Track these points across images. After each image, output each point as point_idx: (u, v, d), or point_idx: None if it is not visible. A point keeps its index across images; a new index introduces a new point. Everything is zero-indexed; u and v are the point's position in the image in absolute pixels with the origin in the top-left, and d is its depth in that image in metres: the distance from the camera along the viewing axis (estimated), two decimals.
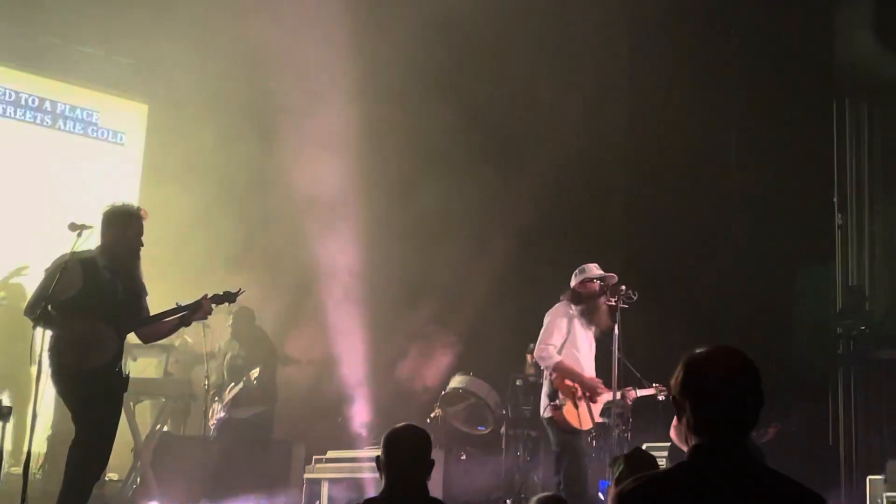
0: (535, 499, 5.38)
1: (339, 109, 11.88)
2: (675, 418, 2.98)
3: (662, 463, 7.20)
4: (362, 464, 9.99)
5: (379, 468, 4.35)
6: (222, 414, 10.57)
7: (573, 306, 8.31)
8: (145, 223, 7.02)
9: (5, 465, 10.39)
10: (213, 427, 10.71)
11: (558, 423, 8.05)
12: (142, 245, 6.98)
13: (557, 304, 8.38)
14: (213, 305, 7.19)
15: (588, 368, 8.31)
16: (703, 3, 11.46)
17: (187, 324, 7.21)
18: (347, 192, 12.11)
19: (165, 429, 10.83)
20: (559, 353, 8.15)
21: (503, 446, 10.32)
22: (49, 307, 6.57)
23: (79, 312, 6.68)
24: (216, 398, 10.70)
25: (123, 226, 6.90)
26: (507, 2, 11.43)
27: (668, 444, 8.96)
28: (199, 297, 7.14)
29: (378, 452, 4.37)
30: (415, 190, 12.16)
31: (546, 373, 8.29)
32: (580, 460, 8.00)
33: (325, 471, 10.51)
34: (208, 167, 12.32)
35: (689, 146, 11.43)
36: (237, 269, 10.89)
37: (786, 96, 11.24)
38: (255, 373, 10.32)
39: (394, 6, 11.44)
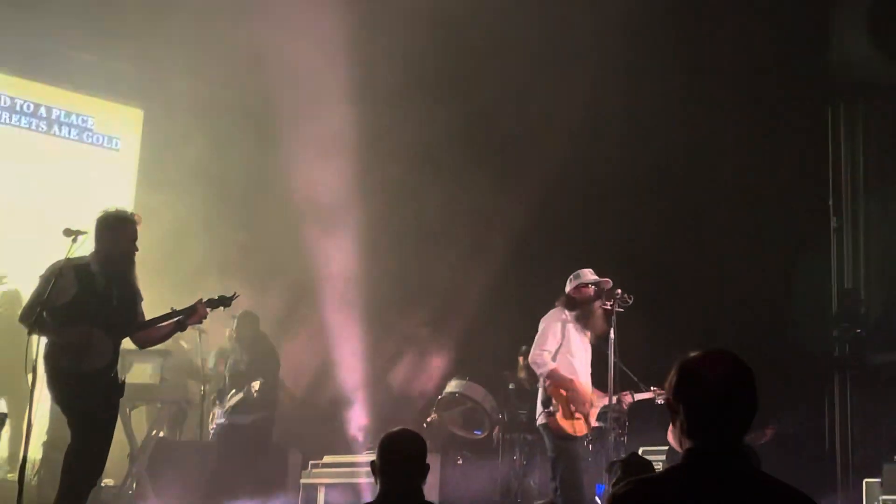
0: None
1: (335, 113, 11.89)
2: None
3: (659, 467, 7.20)
4: (359, 468, 10.00)
5: (374, 473, 4.35)
6: (222, 419, 10.54)
7: (568, 312, 8.30)
8: (140, 228, 7.01)
9: (1, 471, 10.42)
10: (212, 431, 10.69)
11: (553, 429, 8.05)
12: (136, 250, 6.97)
13: (552, 310, 8.37)
14: (209, 310, 7.20)
15: (583, 374, 8.30)
16: (699, 7, 11.47)
17: (182, 328, 7.22)
18: (343, 197, 12.10)
19: (161, 434, 10.81)
20: (554, 358, 8.14)
21: (500, 451, 10.33)
22: (44, 313, 6.56)
23: (74, 318, 6.67)
24: (217, 402, 10.67)
25: (118, 231, 6.89)
26: (504, 6, 11.42)
27: (666, 447, 8.99)
28: (194, 302, 7.15)
29: (374, 457, 4.37)
30: (411, 194, 12.16)
31: (540, 379, 8.28)
32: (576, 466, 7.99)
33: (321, 476, 10.51)
34: (203, 172, 12.32)
35: (684, 151, 11.43)
36: (232, 274, 10.87)
37: (781, 100, 11.24)
38: (256, 385, 10.26)
39: (389, 10, 11.44)
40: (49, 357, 6.59)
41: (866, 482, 8.81)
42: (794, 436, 10.18)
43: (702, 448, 2.83)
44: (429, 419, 10.66)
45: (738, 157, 11.46)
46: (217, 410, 10.65)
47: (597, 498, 8.20)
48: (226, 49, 11.80)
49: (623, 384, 8.49)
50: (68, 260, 6.69)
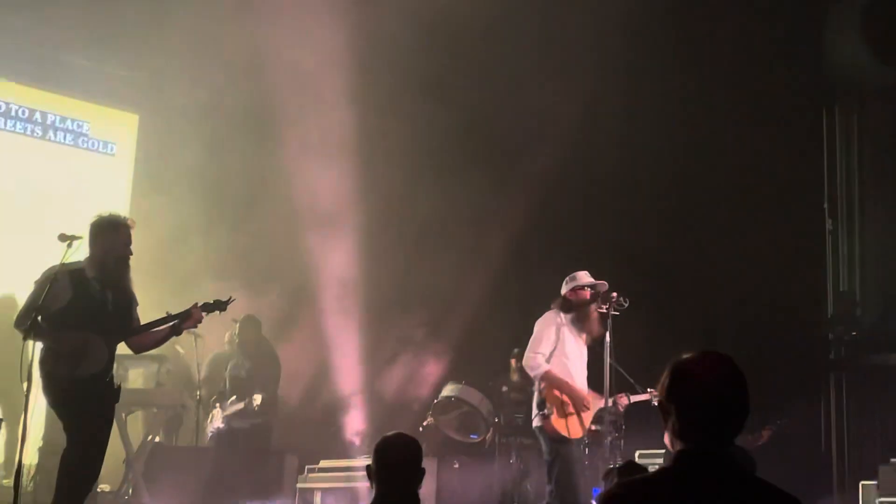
0: None
1: (332, 116, 11.89)
2: None
3: None
4: (355, 473, 9.99)
5: (370, 477, 4.34)
6: (221, 425, 10.49)
7: (563, 314, 8.29)
8: (134, 232, 7.01)
9: None
10: (210, 433, 10.65)
11: (548, 432, 8.04)
12: (131, 254, 6.97)
13: (547, 313, 8.36)
14: (204, 314, 7.19)
15: (578, 376, 8.29)
16: (694, 12, 11.48)
17: (178, 333, 7.20)
18: (340, 200, 12.10)
19: (157, 439, 10.80)
20: (548, 361, 8.13)
21: (496, 454, 10.32)
22: (39, 318, 6.55)
23: (69, 323, 6.66)
24: (216, 404, 10.64)
25: (112, 236, 6.89)
26: (502, 9, 11.43)
27: (663, 450, 8.97)
28: (189, 307, 7.14)
29: (370, 461, 4.37)
30: (409, 196, 12.16)
31: (536, 382, 8.28)
32: (572, 468, 7.98)
33: (317, 480, 10.51)
34: (198, 176, 12.32)
35: (681, 153, 11.44)
36: (228, 278, 10.85)
37: (777, 102, 11.25)
38: (258, 399, 10.24)
39: (386, 13, 11.44)
40: (44, 362, 6.59)
41: (862, 484, 8.82)
42: (791, 438, 10.19)
43: (693, 450, 2.83)
44: (425, 423, 10.65)
45: (734, 159, 11.47)
46: (217, 412, 10.60)
47: (592, 501, 8.19)
48: (221, 54, 11.80)
49: (620, 386, 8.48)
50: (63, 265, 6.68)
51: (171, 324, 7.07)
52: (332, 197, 12.04)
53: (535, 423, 8.18)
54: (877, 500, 8.53)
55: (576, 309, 8.27)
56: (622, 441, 8.89)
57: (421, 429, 10.51)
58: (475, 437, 10.64)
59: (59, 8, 11.53)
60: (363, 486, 9.42)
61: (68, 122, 12.71)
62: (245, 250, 12.17)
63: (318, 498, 10.35)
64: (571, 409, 8.07)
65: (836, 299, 11.26)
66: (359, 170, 12.07)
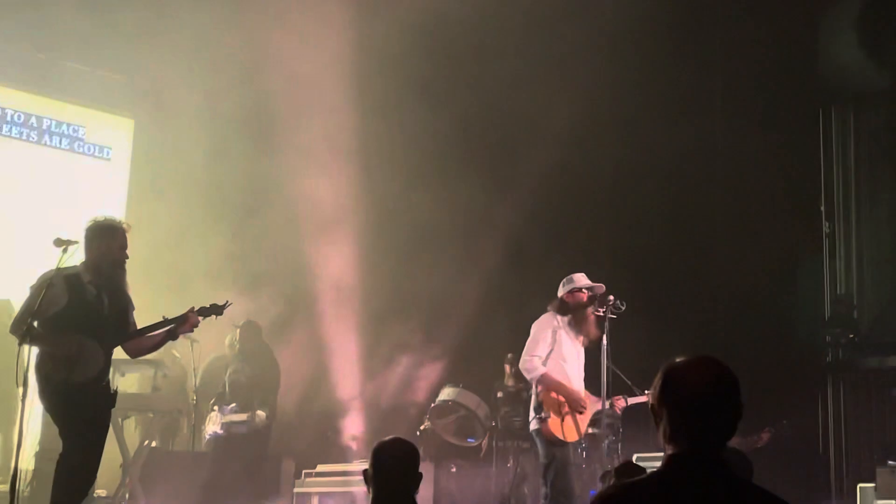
0: None
1: (328, 121, 11.89)
2: None
3: None
4: (352, 477, 9.98)
5: (367, 481, 4.34)
6: (220, 431, 10.45)
7: (560, 317, 8.29)
8: (129, 236, 7.00)
9: None
10: (207, 438, 10.62)
11: (545, 435, 8.03)
12: (126, 258, 6.96)
13: (543, 315, 8.35)
14: (201, 318, 7.18)
15: (575, 379, 8.28)
16: (688, 14, 11.49)
17: (174, 337, 7.19)
18: (337, 204, 12.10)
19: (154, 444, 10.77)
20: (545, 364, 8.12)
21: (493, 458, 10.31)
22: (35, 323, 6.55)
23: (65, 328, 6.65)
24: (214, 407, 10.61)
25: (107, 240, 6.88)
26: (496, 14, 11.44)
27: (660, 453, 8.95)
28: (185, 311, 7.13)
29: (367, 465, 4.36)
30: (404, 201, 12.15)
31: (532, 385, 8.27)
32: (568, 472, 7.97)
33: (314, 485, 10.49)
34: (195, 181, 12.31)
35: (676, 156, 11.44)
36: (225, 283, 10.85)
37: (771, 105, 11.27)
38: (261, 415, 10.25)
39: (382, 18, 11.45)
40: (40, 367, 6.57)
41: (860, 487, 8.81)
42: (789, 440, 10.19)
43: (684, 453, 2.83)
44: (422, 427, 10.64)
45: (731, 162, 11.49)
46: (214, 416, 10.58)
47: None
48: (217, 58, 11.79)
49: (617, 388, 8.47)
50: (59, 270, 6.68)
51: (167, 328, 7.05)
52: (329, 201, 12.04)
53: (532, 426, 8.17)
54: (874, 503, 8.52)
55: (573, 311, 8.26)
56: (619, 444, 8.88)
57: (418, 433, 10.50)
58: (472, 440, 10.63)
59: (54, 13, 11.51)
60: (360, 490, 9.41)
61: (64, 127, 12.69)
62: (242, 254, 12.15)
63: (315, 502, 10.33)
64: (568, 413, 8.06)
65: (833, 302, 11.26)
66: (356, 174, 12.07)
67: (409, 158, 12.06)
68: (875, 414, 10.54)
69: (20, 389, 6.39)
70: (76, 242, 6.77)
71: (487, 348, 11.45)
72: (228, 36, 11.49)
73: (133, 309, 7.05)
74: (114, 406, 6.98)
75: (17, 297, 7.27)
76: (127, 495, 10.17)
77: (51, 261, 6.70)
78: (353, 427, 11.91)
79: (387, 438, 4.43)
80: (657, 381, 2.91)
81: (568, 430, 8.04)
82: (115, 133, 13.20)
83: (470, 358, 11.78)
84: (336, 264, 12.10)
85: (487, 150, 12.61)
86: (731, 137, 11.46)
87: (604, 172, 12.30)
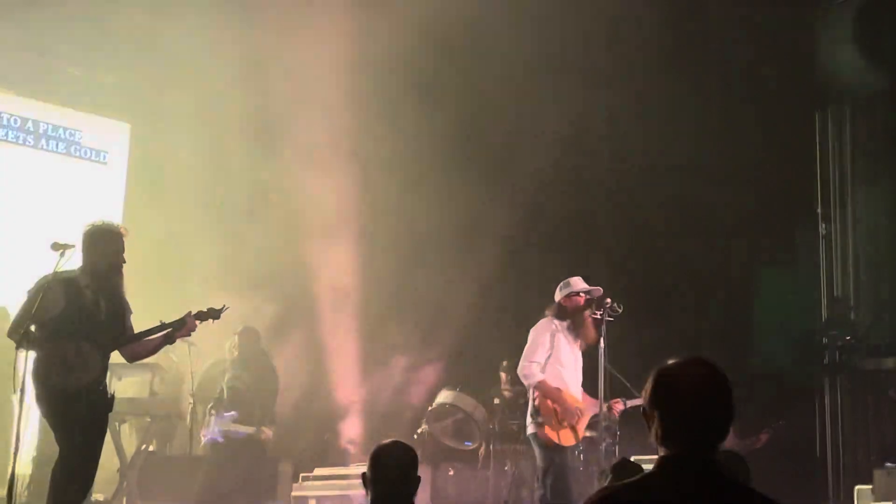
0: None
1: (326, 125, 11.88)
2: None
3: None
4: (350, 480, 9.98)
5: (365, 485, 4.34)
6: (219, 438, 10.43)
7: (557, 321, 8.29)
8: (127, 240, 6.99)
9: None
10: (205, 442, 10.60)
11: (542, 439, 8.04)
12: (124, 263, 6.95)
13: (541, 320, 8.35)
14: (198, 323, 7.17)
15: (573, 383, 8.29)
16: (685, 16, 11.50)
17: (171, 341, 7.18)
18: (334, 207, 12.10)
19: (151, 448, 10.75)
20: (543, 369, 8.12)
21: (491, 462, 10.31)
22: (32, 328, 6.54)
23: (62, 333, 6.64)
24: (212, 412, 10.59)
25: (105, 244, 6.87)
26: (493, 15, 11.44)
27: (658, 455, 8.96)
28: (183, 315, 7.12)
29: (365, 469, 4.36)
30: (401, 205, 12.16)
31: (529, 390, 8.27)
32: (565, 476, 7.97)
33: (312, 488, 10.48)
34: (192, 185, 12.29)
35: (672, 158, 11.46)
36: (222, 286, 10.83)
37: (768, 107, 11.28)
38: (269, 433, 10.27)
39: (380, 19, 11.44)
40: (37, 372, 6.56)
41: (858, 489, 8.82)
42: (786, 442, 10.19)
43: (676, 455, 2.84)
44: (419, 430, 10.63)
45: (726, 164, 11.49)
46: (212, 420, 10.55)
47: None
48: (213, 62, 11.78)
49: (615, 391, 8.47)
50: (56, 274, 6.66)
51: (164, 332, 7.04)
52: (327, 205, 12.05)
53: (529, 430, 8.18)
54: None
55: (570, 315, 8.27)
56: (617, 447, 8.88)
57: (415, 436, 10.49)
58: (470, 444, 10.63)
59: (50, 17, 11.50)
60: (358, 493, 9.41)
61: (60, 131, 12.68)
62: (239, 258, 12.14)
63: None
64: (565, 419, 8.06)
65: (829, 304, 11.27)
66: (353, 177, 12.07)
67: (407, 161, 12.06)
68: (872, 415, 10.55)
69: (17, 394, 6.38)
70: (73, 246, 6.76)
71: (485, 351, 11.46)
72: (225, 39, 11.48)
73: (130, 313, 7.04)
74: (111, 410, 6.97)
75: (14, 302, 7.24)
76: (125, 500, 10.16)
77: (48, 265, 6.69)
78: (351, 430, 11.91)
79: (386, 442, 4.43)
80: (649, 384, 2.93)
81: (565, 434, 8.05)
82: (111, 137, 13.18)
83: (467, 361, 11.78)
84: (334, 267, 12.10)
85: (485, 154, 12.60)
86: (727, 139, 11.46)
87: (601, 176, 12.31)
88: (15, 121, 12.30)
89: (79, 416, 6.60)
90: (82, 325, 6.71)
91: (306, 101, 11.83)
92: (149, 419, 10.61)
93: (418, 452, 4.49)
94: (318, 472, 10.67)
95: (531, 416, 8.15)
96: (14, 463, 6.45)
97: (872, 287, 11.20)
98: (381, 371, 12.41)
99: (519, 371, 8.27)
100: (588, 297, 8.30)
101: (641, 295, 10.34)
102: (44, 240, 6.88)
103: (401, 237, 12.15)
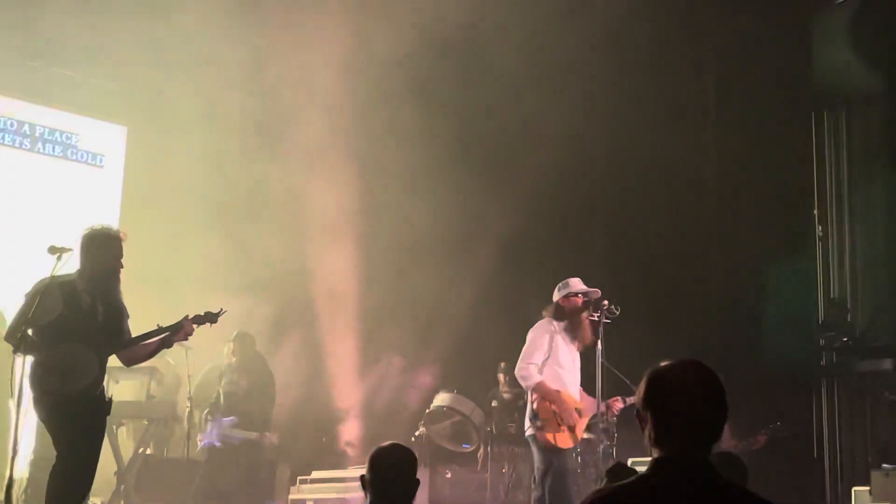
0: None
1: (324, 127, 11.89)
2: None
3: None
4: (347, 483, 9.97)
5: (364, 487, 4.34)
6: (217, 442, 10.42)
7: (556, 322, 8.29)
8: (125, 244, 6.98)
9: None
10: (202, 445, 10.59)
11: (540, 441, 8.03)
12: (121, 267, 6.94)
13: (540, 321, 8.35)
14: (195, 326, 7.16)
15: (572, 385, 8.29)
16: (681, 18, 11.51)
17: (169, 345, 7.16)
18: (332, 210, 12.10)
19: (149, 452, 10.75)
20: (541, 370, 8.12)
21: (488, 464, 10.31)
22: (29, 332, 6.53)
23: (59, 337, 6.62)
24: (209, 416, 10.59)
25: (102, 248, 6.86)
26: (494, 18, 11.45)
27: (651, 457, 8.96)
28: (180, 319, 7.11)
29: (363, 472, 4.36)
30: (400, 207, 12.16)
31: (528, 392, 8.27)
32: (564, 478, 7.97)
33: (310, 491, 10.48)
34: (188, 188, 12.29)
35: (669, 159, 11.46)
36: (220, 290, 10.83)
37: (764, 108, 11.29)
38: (274, 439, 10.29)
39: (379, 21, 11.45)
40: (34, 376, 6.55)
41: (855, 490, 8.81)
42: (783, 443, 10.19)
43: (669, 457, 2.85)
44: (417, 433, 10.63)
45: (724, 166, 11.50)
46: (209, 425, 10.55)
47: None
48: (211, 65, 11.78)
49: (614, 389, 8.47)
50: (53, 278, 6.64)
51: (161, 336, 7.03)
52: (324, 207, 12.05)
53: (528, 432, 8.18)
54: None
55: (568, 316, 8.27)
56: (614, 449, 8.88)
57: (413, 438, 10.49)
58: (467, 446, 10.63)
59: (47, 20, 11.50)
60: (356, 496, 9.40)
61: (57, 135, 12.68)
62: (236, 261, 12.14)
63: None
64: (563, 421, 8.06)
65: (827, 305, 11.27)
66: (351, 179, 12.07)
67: (406, 162, 12.06)
68: (869, 417, 10.55)
69: (14, 398, 6.37)
70: (70, 250, 6.74)
71: (483, 353, 11.46)
72: (222, 42, 11.48)
73: (127, 317, 7.03)
74: (108, 414, 6.96)
75: (11, 305, 7.23)
76: (122, 502, 10.15)
77: (45, 269, 6.68)
78: (349, 433, 11.90)
79: (385, 444, 4.43)
80: (641, 386, 2.94)
81: (563, 436, 8.04)
82: (108, 140, 13.19)
83: (465, 363, 11.78)
84: (331, 269, 12.10)
85: (484, 155, 12.62)
86: (723, 142, 11.48)
87: (599, 177, 12.32)
88: (11, 124, 12.30)
89: (76, 419, 6.59)
90: (80, 329, 6.69)
91: (305, 103, 11.84)
92: (146, 422, 10.61)
93: (416, 455, 4.49)
94: (315, 474, 10.66)
95: (530, 418, 8.14)
96: (12, 467, 6.44)
97: (870, 289, 11.20)
98: (378, 373, 12.41)
99: (516, 373, 8.27)
100: (586, 298, 8.30)
101: (639, 297, 10.34)
102: (41, 243, 6.86)
103: (399, 239, 12.15)
